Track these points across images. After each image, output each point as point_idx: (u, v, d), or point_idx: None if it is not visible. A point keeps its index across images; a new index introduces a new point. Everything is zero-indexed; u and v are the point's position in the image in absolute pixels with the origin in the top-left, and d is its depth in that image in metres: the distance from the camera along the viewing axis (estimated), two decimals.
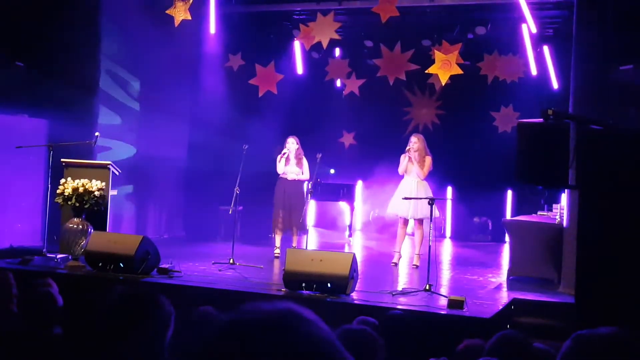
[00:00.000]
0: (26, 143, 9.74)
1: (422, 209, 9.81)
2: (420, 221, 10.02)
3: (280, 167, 10.44)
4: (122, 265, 8.05)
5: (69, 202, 8.95)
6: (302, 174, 10.51)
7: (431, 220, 8.37)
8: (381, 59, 13.30)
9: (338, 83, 14.86)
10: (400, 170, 10.03)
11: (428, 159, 9.98)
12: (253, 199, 12.19)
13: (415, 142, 9.97)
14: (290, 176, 10.45)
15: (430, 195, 9.76)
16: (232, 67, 13.56)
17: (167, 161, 12.60)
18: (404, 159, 9.99)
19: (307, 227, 10.48)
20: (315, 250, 10.46)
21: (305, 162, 10.51)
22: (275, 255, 10.44)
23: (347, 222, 13.64)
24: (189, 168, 13.24)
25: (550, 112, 5.45)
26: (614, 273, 5.29)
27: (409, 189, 9.86)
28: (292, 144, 10.46)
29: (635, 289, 5.26)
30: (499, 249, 12.75)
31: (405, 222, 10.14)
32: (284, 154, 10.43)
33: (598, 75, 7.87)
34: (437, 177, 13.40)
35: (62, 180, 9.02)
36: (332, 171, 14.80)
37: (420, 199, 9.65)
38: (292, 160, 10.50)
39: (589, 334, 2.26)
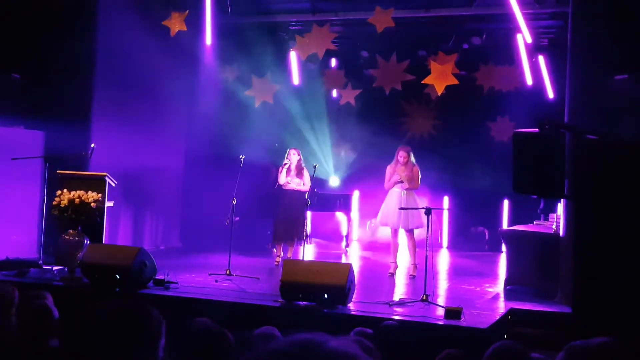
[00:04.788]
0: (22, 155, 9.75)
1: (414, 220, 9.85)
2: (410, 231, 10.03)
3: (282, 178, 10.63)
4: (118, 277, 8.02)
5: (65, 214, 8.92)
6: (304, 185, 10.63)
7: (427, 231, 8.37)
8: (377, 69, 13.34)
9: (334, 93, 14.89)
10: (388, 186, 10.05)
11: (417, 171, 9.99)
12: (250, 210, 12.19)
13: (403, 157, 9.97)
14: (291, 186, 10.57)
15: (418, 204, 9.83)
16: (228, 78, 13.57)
17: (163, 172, 12.59)
18: (390, 175, 10.00)
19: (306, 237, 10.51)
20: (312, 260, 10.47)
21: (306, 173, 10.69)
22: (276, 263, 10.50)
23: (344, 233, 13.63)
24: (186, 179, 13.24)
25: (545, 122, 5.47)
26: (610, 282, 5.30)
27: (398, 199, 9.89)
28: (293, 156, 10.66)
29: (632, 298, 5.26)
30: (496, 259, 12.75)
31: (396, 232, 10.15)
32: (285, 164, 10.57)
33: (593, 85, 7.89)
34: (434, 186, 13.43)
35: (58, 192, 9.00)
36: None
37: (417, 209, 9.69)
38: (293, 172, 10.63)
39: (582, 345, 2.26)
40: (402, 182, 9.91)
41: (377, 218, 10.48)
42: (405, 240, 10.25)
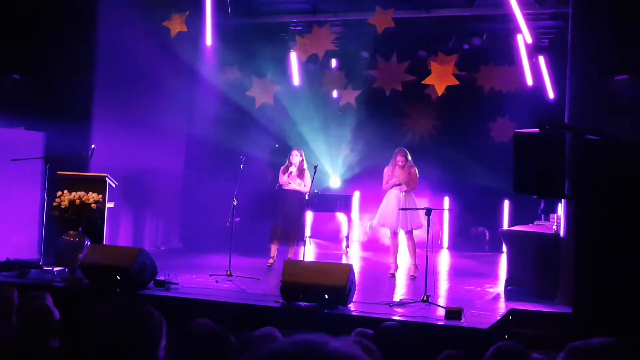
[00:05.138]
0: (23, 155, 9.75)
1: (413, 221, 9.85)
2: (410, 232, 10.03)
3: (283, 178, 10.59)
4: (119, 278, 8.02)
5: (66, 215, 8.92)
6: (305, 186, 10.59)
7: (428, 231, 8.37)
8: (377, 69, 13.33)
9: (334, 94, 14.89)
10: (386, 188, 10.07)
11: (414, 172, 9.99)
12: (250, 210, 12.19)
13: (401, 161, 9.98)
14: (292, 187, 10.53)
15: (417, 205, 9.84)
16: (228, 78, 13.58)
17: (164, 173, 12.59)
18: (388, 177, 10.01)
19: (305, 238, 10.49)
20: (312, 261, 10.46)
21: (307, 174, 10.64)
22: (269, 264, 10.47)
23: (345, 233, 13.63)
24: (186, 180, 13.24)
25: (546, 122, 5.47)
26: (611, 282, 5.30)
27: (397, 201, 9.89)
28: (295, 157, 10.61)
29: (633, 299, 5.26)
30: (496, 259, 12.74)
31: (395, 234, 10.15)
32: (287, 167, 10.53)
33: (594, 85, 7.89)
34: (434, 187, 13.43)
35: (59, 193, 9.00)
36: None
37: (417, 209, 9.69)
38: (294, 172, 10.62)
39: (582, 345, 2.26)
40: (400, 184, 9.91)
41: (375, 220, 10.48)
42: (404, 241, 10.24)
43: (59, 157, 9.64)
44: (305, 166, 10.76)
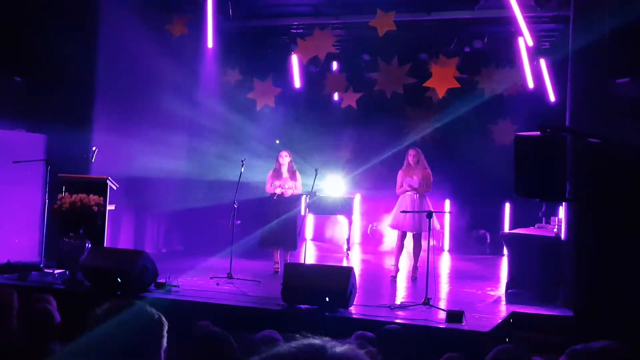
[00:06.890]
0: (24, 158, 9.74)
1: (424, 223, 9.83)
2: (418, 234, 10.02)
3: (275, 183, 10.35)
4: (120, 280, 8.02)
5: (67, 217, 8.92)
6: (296, 188, 10.41)
7: (429, 234, 8.37)
8: (379, 72, 13.34)
9: (336, 97, 14.89)
10: (399, 191, 10.03)
11: (428, 174, 9.99)
12: (251, 213, 12.19)
13: (414, 155, 9.98)
14: (288, 192, 10.35)
15: (430, 208, 9.80)
16: (229, 81, 13.58)
17: (165, 175, 12.57)
18: (402, 180, 9.99)
19: (297, 245, 10.33)
20: (313, 264, 10.44)
21: (298, 175, 10.47)
22: (275, 270, 10.39)
23: (346, 236, 13.62)
24: (187, 182, 13.23)
25: (547, 125, 5.47)
26: (611, 286, 5.29)
27: (412, 203, 9.87)
28: (285, 157, 10.42)
29: (633, 302, 5.26)
30: (497, 262, 12.73)
31: (404, 235, 10.13)
32: (278, 170, 10.35)
33: (595, 88, 7.89)
34: (436, 190, 13.41)
35: (60, 195, 9.00)
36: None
37: (419, 212, 9.68)
38: (285, 174, 10.42)
39: (583, 349, 2.26)
40: (414, 189, 9.87)
41: (388, 221, 10.45)
42: (411, 243, 10.20)
43: (60, 160, 9.65)
44: (295, 167, 10.51)
